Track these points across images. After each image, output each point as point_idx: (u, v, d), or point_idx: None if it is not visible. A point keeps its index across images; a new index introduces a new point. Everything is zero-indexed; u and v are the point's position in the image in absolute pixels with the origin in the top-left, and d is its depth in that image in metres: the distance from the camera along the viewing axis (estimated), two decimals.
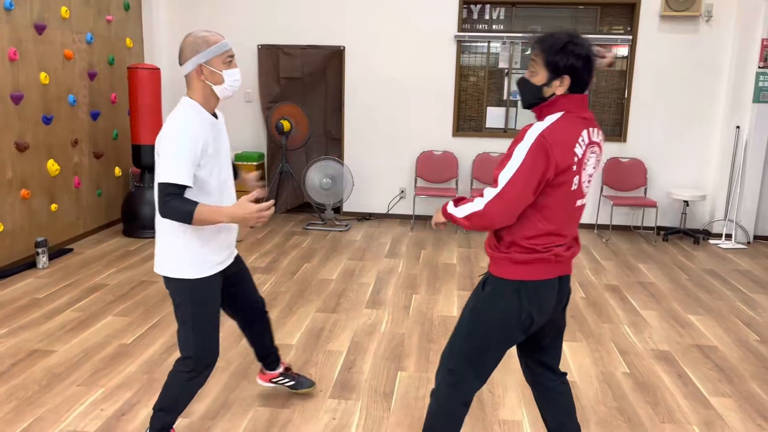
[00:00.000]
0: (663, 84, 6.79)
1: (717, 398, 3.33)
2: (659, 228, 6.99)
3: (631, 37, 6.76)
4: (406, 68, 7.04)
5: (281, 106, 7.07)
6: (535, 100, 2.15)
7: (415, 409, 3.12)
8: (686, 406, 3.23)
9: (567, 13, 6.96)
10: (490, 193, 2.09)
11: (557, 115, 2.10)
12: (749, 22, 6.40)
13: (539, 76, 2.11)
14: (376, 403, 3.18)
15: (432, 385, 2.95)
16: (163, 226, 2.44)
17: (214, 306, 2.56)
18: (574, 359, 3.76)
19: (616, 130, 7.05)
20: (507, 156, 2.09)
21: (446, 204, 2.27)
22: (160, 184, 2.27)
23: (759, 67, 6.37)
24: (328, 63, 7.20)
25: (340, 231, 6.76)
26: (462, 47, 7.03)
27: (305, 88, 7.29)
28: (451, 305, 4.61)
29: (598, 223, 7.09)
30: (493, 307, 2.22)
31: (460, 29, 6.96)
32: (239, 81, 2.48)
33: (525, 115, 7.12)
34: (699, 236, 6.66)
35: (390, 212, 7.38)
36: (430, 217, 7.30)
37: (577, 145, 2.08)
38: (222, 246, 2.55)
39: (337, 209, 7.36)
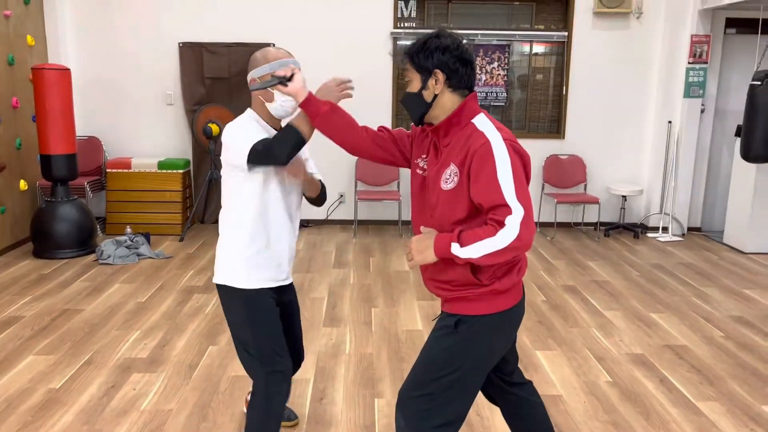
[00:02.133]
0: (598, 80, 6.82)
1: (704, 403, 3.24)
2: (600, 223, 7.03)
3: (566, 33, 6.75)
4: (341, 66, 6.71)
5: (208, 108, 6.56)
6: (422, 109, 2.00)
7: None
8: (677, 415, 3.11)
9: (502, 10, 6.85)
10: (516, 216, 1.79)
11: (482, 116, 1.96)
12: (678, 19, 6.52)
13: (414, 83, 2.01)
14: None
15: None
16: (220, 238, 2.37)
17: (272, 317, 2.36)
18: (554, 370, 3.58)
19: (554, 127, 7.03)
20: (485, 175, 1.83)
21: (442, 243, 1.88)
22: (250, 151, 2.17)
23: (689, 63, 6.50)
24: None
25: None
26: (398, 45, 6.78)
27: (232, 89, 6.81)
28: (413, 317, 4.34)
29: (540, 221, 7.05)
30: (478, 346, 1.98)
31: (396, 26, 6.71)
32: (294, 104, 2.30)
33: None
34: (638, 230, 6.74)
35: (329, 218, 7.03)
36: (373, 222, 7.01)
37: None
38: (275, 259, 2.38)
39: None
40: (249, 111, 2.39)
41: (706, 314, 4.50)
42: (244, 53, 6.67)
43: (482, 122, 1.95)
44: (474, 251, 1.83)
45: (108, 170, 6.46)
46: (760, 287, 5.12)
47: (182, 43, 6.63)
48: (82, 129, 6.71)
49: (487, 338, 1.99)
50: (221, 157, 2.30)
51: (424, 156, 2.09)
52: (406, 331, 4.11)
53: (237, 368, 3.53)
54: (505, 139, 1.88)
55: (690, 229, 6.97)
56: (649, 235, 6.80)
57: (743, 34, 6.63)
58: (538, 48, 6.93)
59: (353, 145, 2.15)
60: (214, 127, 6.36)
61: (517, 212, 1.80)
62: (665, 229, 6.82)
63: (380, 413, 3.09)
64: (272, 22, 6.65)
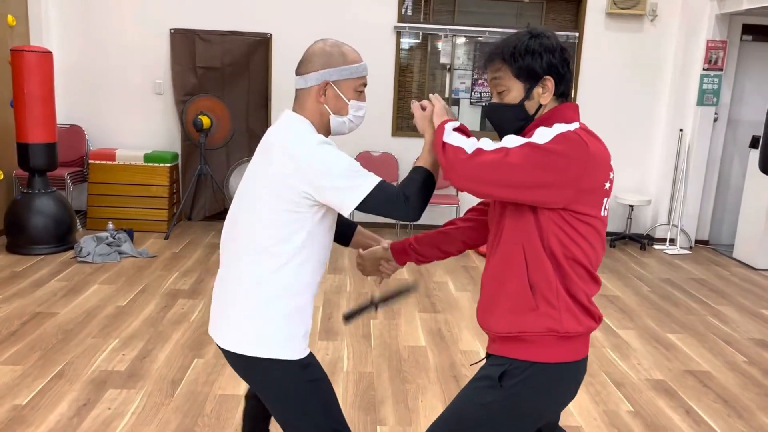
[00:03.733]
0: (609, 84, 6.55)
1: None
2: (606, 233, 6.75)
3: (577, 33, 6.46)
4: None
5: (199, 99, 6.21)
6: (521, 123, 1.65)
7: None
8: None
9: (511, 9, 6.56)
10: (493, 153, 1.57)
11: (576, 124, 1.60)
12: (694, 23, 6.26)
13: (513, 93, 1.63)
14: None
15: None
16: (252, 292, 1.73)
17: (326, 378, 1.86)
18: None
19: None
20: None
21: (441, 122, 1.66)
22: (371, 194, 1.65)
23: (703, 69, 6.25)
24: (253, 52, 6.41)
25: None
26: (402, 41, 6.46)
27: (225, 80, 6.46)
28: (415, 332, 4.04)
29: None
30: (530, 403, 1.60)
31: (400, 20, 6.40)
32: (363, 119, 1.87)
33: (469, 114, 6.67)
34: (644, 241, 6.48)
35: None
36: (369, 225, 6.70)
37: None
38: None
39: None
40: (301, 117, 1.78)
41: (725, 336, 4.23)
42: (238, 42, 6.32)
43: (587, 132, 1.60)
44: (454, 138, 1.59)
45: (90, 161, 6.09)
46: None
47: (174, 29, 6.27)
48: (63, 117, 6.34)
49: (538, 400, 1.59)
50: (288, 179, 1.67)
51: None
52: (409, 347, 3.80)
53: (224, 385, 3.21)
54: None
55: (697, 241, 6.72)
56: (656, 246, 6.54)
57: (760, 42, 6.38)
58: None
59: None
60: (205, 119, 6.02)
61: (499, 153, 1.52)
62: (672, 241, 6.57)
63: None
64: (270, 11, 6.30)
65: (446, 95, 6.62)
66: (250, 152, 6.56)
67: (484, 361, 1.76)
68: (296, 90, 1.80)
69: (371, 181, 1.67)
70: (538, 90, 1.61)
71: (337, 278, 5.02)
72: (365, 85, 1.83)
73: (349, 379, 3.36)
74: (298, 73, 1.79)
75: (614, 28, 6.44)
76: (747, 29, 6.35)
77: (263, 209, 1.71)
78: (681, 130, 6.44)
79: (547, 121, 1.61)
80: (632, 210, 6.61)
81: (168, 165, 6.14)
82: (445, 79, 6.62)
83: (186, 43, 6.30)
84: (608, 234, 6.72)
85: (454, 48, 6.54)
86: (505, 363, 1.61)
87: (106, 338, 3.70)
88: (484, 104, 6.63)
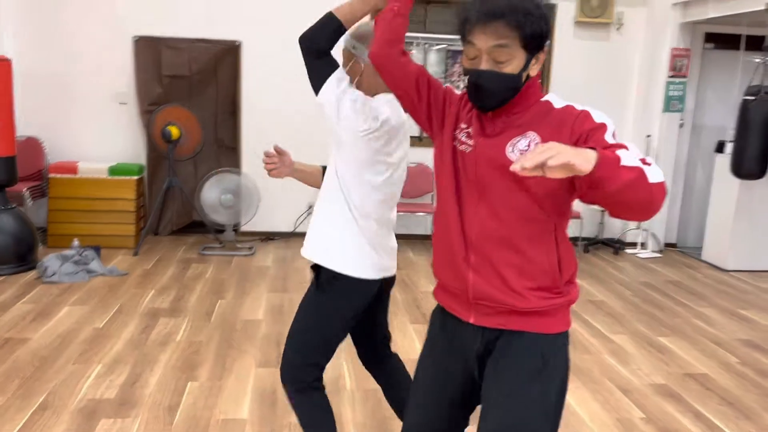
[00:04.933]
0: (579, 90, 6.59)
1: None
2: (576, 239, 6.83)
3: (548, 41, 6.51)
4: None
5: (166, 108, 5.96)
6: (511, 94, 1.55)
7: None
8: None
9: None
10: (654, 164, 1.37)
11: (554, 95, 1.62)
12: (658, 31, 6.42)
13: (516, 61, 1.51)
14: None
15: None
16: (328, 219, 2.11)
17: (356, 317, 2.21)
18: (582, 405, 3.25)
19: None
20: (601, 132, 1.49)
21: (605, 152, 1.31)
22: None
23: (669, 77, 6.40)
24: (221, 60, 6.21)
25: (245, 255, 5.81)
26: None
27: (192, 89, 6.23)
28: (411, 343, 3.94)
29: None
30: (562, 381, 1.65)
31: None
32: None
33: None
34: (617, 246, 6.57)
35: (297, 230, 6.53)
36: None
37: None
38: (392, 251, 2.23)
39: (234, 230, 6.37)
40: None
41: (714, 338, 4.29)
42: (206, 50, 6.12)
43: (558, 100, 1.62)
44: (655, 173, 1.32)
45: (50, 175, 5.75)
46: (755, 307, 4.99)
47: (138, 36, 6.01)
48: (20, 128, 5.97)
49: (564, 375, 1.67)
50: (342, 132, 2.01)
51: (464, 126, 1.64)
52: (409, 360, 3.69)
53: (225, 409, 3.03)
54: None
55: (666, 244, 6.87)
56: (628, 251, 6.64)
57: (721, 50, 6.59)
58: None
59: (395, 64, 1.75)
60: (174, 130, 5.78)
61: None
62: (643, 245, 6.69)
63: None
64: (239, 18, 6.12)
65: None
66: (219, 163, 6.34)
67: None
68: None
69: None
70: (532, 61, 1.54)
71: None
72: None
73: (355, 398, 3.23)
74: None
75: (583, 36, 6.54)
76: (709, 37, 6.55)
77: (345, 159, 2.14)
78: (648, 135, 6.58)
79: (534, 95, 1.58)
80: (604, 215, 6.71)
81: (135, 178, 5.86)
82: None
83: (151, 51, 6.05)
84: (582, 239, 6.79)
85: (427, 56, 6.50)
86: (538, 339, 1.62)
87: (88, 364, 3.45)
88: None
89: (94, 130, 6.15)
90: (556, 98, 1.62)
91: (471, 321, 1.65)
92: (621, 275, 5.75)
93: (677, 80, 6.42)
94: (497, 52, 1.50)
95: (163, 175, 6.16)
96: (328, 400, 2.30)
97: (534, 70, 1.56)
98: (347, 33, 2.03)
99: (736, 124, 5.45)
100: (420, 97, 1.72)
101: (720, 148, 6.23)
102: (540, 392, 1.59)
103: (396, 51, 1.76)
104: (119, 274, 5.03)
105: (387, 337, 2.48)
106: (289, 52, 6.20)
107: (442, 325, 1.78)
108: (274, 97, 6.25)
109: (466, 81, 1.55)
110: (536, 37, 1.50)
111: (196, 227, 6.40)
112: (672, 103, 6.46)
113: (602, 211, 6.63)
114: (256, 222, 6.33)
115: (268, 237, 6.44)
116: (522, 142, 1.55)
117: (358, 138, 1.98)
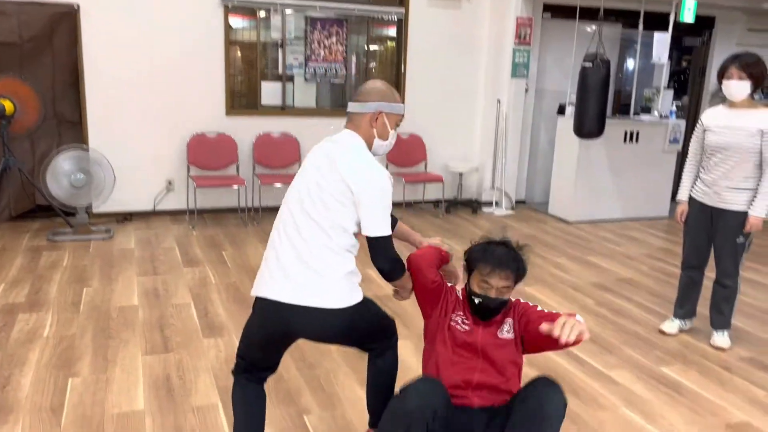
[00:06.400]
0: (434, 59, 6.86)
1: (615, 371, 3.36)
2: (438, 201, 7.14)
3: (403, 10, 6.65)
4: (165, 34, 5.86)
5: None
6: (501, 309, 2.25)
7: None
8: (600, 387, 3.18)
9: None
10: None
11: None
12: (503, 1, 6.78)
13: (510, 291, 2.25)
14: None
15: None
16: (328, 262, 2.11)
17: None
18: None
19: None
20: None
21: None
22: (382, 237, 2.14)
23: (515, 44, 6.82)
24: (56, 25, 5.61)
25: (103, 239, 5.39)
26: (230, 17, 6.10)
27: (24, 58, 5.58)
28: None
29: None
30: None
31: None
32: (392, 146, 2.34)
33: (303, 91, 6.56)
34: (474, 205, 6.97)
35: (157, 209, 6.16)
36: (209, 211, 6.30)
37: None
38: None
39: (87, 212, 5.86)
40: (359, 139, 2.22)
41: (571, 284, 4.74)
42: (39, 14, 5.49)
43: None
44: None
45: None
46: (598, 254, 5.57)
47: None
48: None
49: None
50: (352, 188, 2.10)
51: (460, 313, 2.27)
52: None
53: (118, 402, 2.84)
54: None
55: (517, 201, 7.40)
56: (484, 209, 7.07)
57: (557, 18, 7.12)
58: (376, 24, 6.75)
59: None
60: (7, 104, 5.17)
61: None
62: (497, 203, 7.15)
63: (312, 428, 2.69)
64: None
65: (279, 71, 6.42)
66: (61, 139, 5.78)
67: None
68: (350, 113, 2.24)
69: (387, 231, 2.15)
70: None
71: (196, 271, 4.68)
72: (402, 120, 2.31)
73: None
74: (355, 100, 2.23)
75: (436, 4, 6.74)
76: (546, 8, 7.05)
77: (337, 207, 2.18)
78: (498, 100, 6.99)
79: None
80: (462, 177, 7.07)
81: None
82: (278, 55, 6.42)
83: None
84: (445, 201, 7.10)
85: (285, 22, 6.35)
86: None
87: None
88: (318, 80, 6.55)
89: None
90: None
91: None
92: (481, 232, 6.12)
93: (522, 48, 6.86)
94: (503, 290, 2.18)
95: None
96: (247, 394, 2.30)
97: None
98: (373, 98, 2.22)
99: (577, 88, 5.96)
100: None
101: (561, 110, 6.79)
102: None
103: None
104: None
105: None
106: (134, 17, 5.78)
107: None
108: (120, 66, 5.79)
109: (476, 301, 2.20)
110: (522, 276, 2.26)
111: (40, 211, 5.82)
112: (518, 69, 6.91)
113: (460, 173, 6.98)
114: (110, 202, 5.88)
115: (125, 218, 6.02)
116: (506, 327, 2.26)
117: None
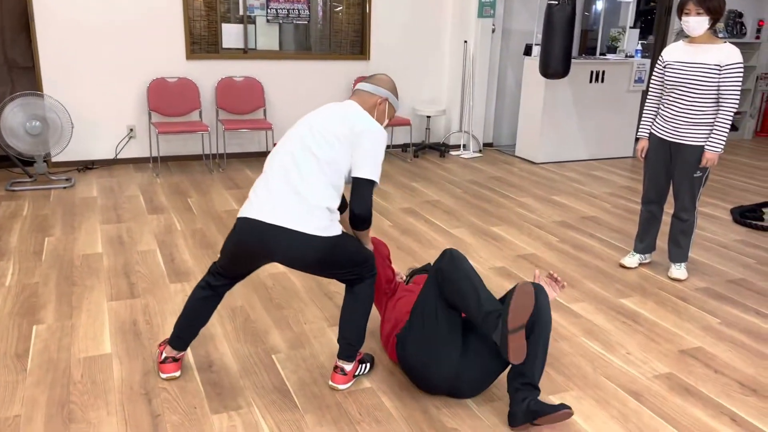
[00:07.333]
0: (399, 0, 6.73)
1: (576, 304, 3.46)
2: (407, 145, 7.12)
3: None
4: (120, 1, 5.63)
5: None
6: None
7: None
8: (560, 317, 3.28)
9: None
10: None
11: None
12: None
13: None
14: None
15: None
16: (319, 194, 2.29)
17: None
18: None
19: (357, 49, 6.82)
20: None
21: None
22: (369, 181, 2.36)
23: None
24: None
25: (64, 188, 5.29)
26: None
27: None
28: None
29: None
30: None
31: None
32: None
33: (266, 33, 6.39)
34: (442, 149, 6.97)
35: (119, 157, 6.04)
36: (173, 158, 6.20)
37: None
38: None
39: (45, 161, 5.73)
40: (370, 117, 2.44)
41: (536, 222, 4.82)
42: None
43: None
44: None
45: None
46: (563, 193, 5.65)
47: None
48: None
49: None
50: (355, 139, 2.35)
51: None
52: (271, 275, 3.71)
53: (85, 347, 2.84)
54: None
55: (485, 144, 7.42)
56: (452, 153, 7.08)
57: None
58: None
59: None
60: None
61: None
62: (465, 146, 7.16)
63: (281, 366, 2.73)
64: None
65: (240, 13, 6.24)
66: (14, 87, 5.59)
67: None
68: (360, 90, 2.52)
69: (375, 176, 2.37)
70: None
71: (162, 218, 4.64)
72: (394, 116, 2.66)
73: (234, 316, 3.19)
74: (369, 82, 2.53)
75: None
76: None
77: (338, 156, 2.40)
78: (465, 41, 6.92)
79: None
80: (429, 120, 7.04)
81: None
82: None
83: None
84: (413, 145, 7.09)
85: None
86: None
87: None
88: (281, 21, 6.39)
89: None
90: None
91: None
92: (450, 175, 6.16)
93: None
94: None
95: None
96: (196, 298, 2.53)
97: None
98: (384, 87, 2.53)
99: (542, 28, 5.92)
100: None
101: (528, 51, 6.75)
102: None
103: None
104: None
105: None
106: None
107: None
108: (72, 8, 5.56)
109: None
110: None
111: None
112: (485, 9, 6.81)
113: (428, 117, 6.95)
114: (70, 152, 5.75)
115: (87, 166, 5.90)
116: None
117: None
